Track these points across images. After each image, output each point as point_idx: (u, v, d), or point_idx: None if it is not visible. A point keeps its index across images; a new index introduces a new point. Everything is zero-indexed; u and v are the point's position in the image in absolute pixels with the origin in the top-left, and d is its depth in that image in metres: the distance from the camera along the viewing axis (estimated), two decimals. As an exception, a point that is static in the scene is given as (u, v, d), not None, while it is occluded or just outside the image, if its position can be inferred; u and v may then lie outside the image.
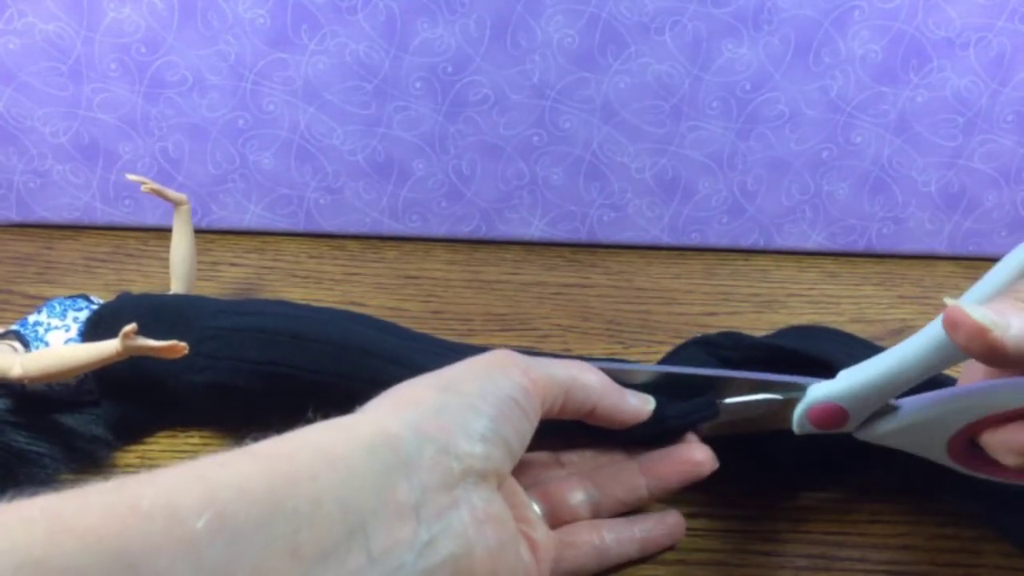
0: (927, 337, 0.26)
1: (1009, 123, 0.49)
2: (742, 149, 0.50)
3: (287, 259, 0.51)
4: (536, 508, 0.32)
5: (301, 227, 0.53)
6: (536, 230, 0.53)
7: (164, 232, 0.45)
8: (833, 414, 0.30)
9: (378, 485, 0.24)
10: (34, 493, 0.20)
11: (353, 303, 0.48)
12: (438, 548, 0.24)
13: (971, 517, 0.35)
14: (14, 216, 0.52)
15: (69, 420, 0.36)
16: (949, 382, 0.33)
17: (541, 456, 0.34)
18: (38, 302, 0.40)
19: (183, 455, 0.38)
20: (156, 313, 0.37)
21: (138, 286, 0.47)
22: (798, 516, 0.36)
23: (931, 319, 0.26)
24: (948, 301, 0.23)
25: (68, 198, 0.52)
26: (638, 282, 0.51)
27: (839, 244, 0.53)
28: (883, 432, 0.30)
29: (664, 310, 0.48)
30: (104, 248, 0.52)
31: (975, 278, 0.28)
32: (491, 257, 0.52)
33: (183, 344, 0.32)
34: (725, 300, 0.49)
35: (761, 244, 0.53)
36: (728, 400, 0.32)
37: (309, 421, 0.26)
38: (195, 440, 0.38)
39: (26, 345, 0.36)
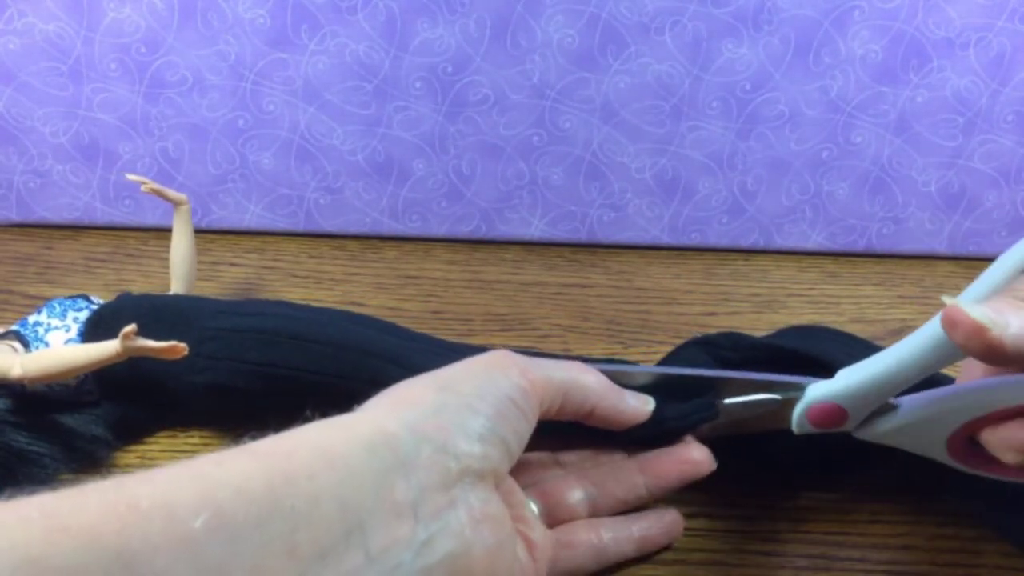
0: (925, 336, 0.26)
1: (1009, 123, 0.49)
2: (742, 149, 0.50)
3: (287, 259, 0.51)
4: (534, 508, 0.32)
5: (301, 227, 0.53)
6: (536, 230, 0.53)
7: (164, 232, 0.45)
8: (832, 413, 0.30)
9: (376, 484, 0.24)
10: (32, 492, 0.20)
11: (353, 303, 0.48)
12: (435, 547, 0.24)
13: (971, 517, 0.35)
14: (14, 216, 0.52)
15: (69, 420, 0.36)
16: (947, 381, 0.33)
17: (540, 456, 0.34)
18: (38, 302, 0.40)
19: (183, 455, 0.38)
20: (156, 313, 0.37)
21: (138, 286, 0.47)
22: (798, 516, 0.36)
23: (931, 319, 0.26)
24: (946, 300, 0.23)
25: (68, 198, 0.52)
26: (638, 282, 0.51)
27: (839, 244, 0.53)
28: (883, 431, 0.30)
29: (664, 310, 0.48)
30: (104, 248, 0.52)
31: (975, 278, 0.28)
32: (491, 257, 0.52)
33: (183, 345, 0.32)
34: (725, 300, 0.49)
35: (761, 244, 0.53)
36: (727, 401, 0.32)
37: (307, 420, 0.26)
38: (195, 440, 0.38)
39: (26, 345, 0.36)
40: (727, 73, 0.48)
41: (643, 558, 0.33)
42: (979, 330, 0.23)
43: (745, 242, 0.53)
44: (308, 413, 0.26)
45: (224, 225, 0.53)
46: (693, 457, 0.33)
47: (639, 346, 0.45)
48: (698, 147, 0.50)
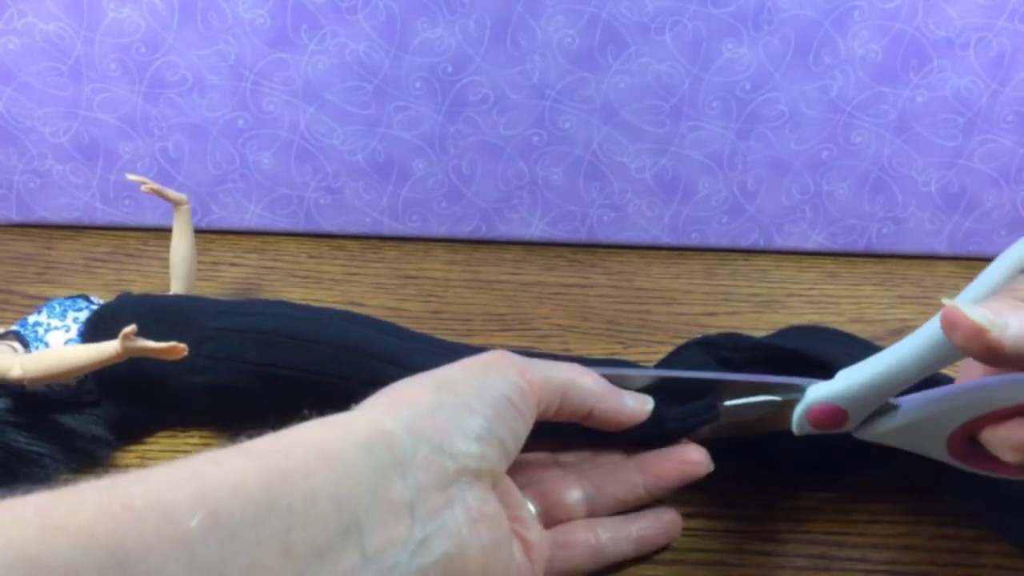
0: (925, 336, 0.26)
1: (1009, 123, 0.49)
2: (742, 149, 0.50)
3: (287, 259, 0.51)
4: (531, 508, 0.32)
5: (301, 227, 0.53)
6: (536, 230, 0.53)
7: (164, 232, 0.45)
8: (832, 414, 0.30)
9: (373, 483, 0.24)
10: (28, 491, 0.20)
11: (353, 303, 0.48)
12: (432, 547, 0.24)
13: (971, 517, 0.35)
14: (14, 216, 0.52)
15: (69, 420, 0.36)
16: (947, 381, 0.33)
17: (539, 456, 0.34)
18: (38, 302, 0.40)
19: (183, 455, 0.37)
20: (156, 314, 0.37)
21: (138, 286, 0.47)
22: (798, 516, 0.35)
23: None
24: (945, 301, 0.23)
25: (68, 198, 0.52)
26: (638, 282, 0.51)
27: (839, 244, 0.53)
28: (883, 431, 0.30)
29: (664, 310, 0.48)
30: (104, 248, 0.52)
31: (975, 278, 0.28)
32: (491, 257, 0.52)
33: (183, 345, 0.32)
34: (725, 300, 0.49)
35: (761, 244, 0.53)
36: (727, 403, 0.32)
37: (305, 419, 0.26)
38: (195, 440, 0.38)
39: (26, 346, 0.36)
40: (727, 73, 0.48)
41: (641, 558, 0.33)
42: (978, 332, 0.23)
43: (745, 242, 0.53)
44: (306, 412, 0.26)
45: (224, 225, 0.53)
46: (691, 457, 0.33)
47: (639, 346, 0.45)
48: (698, 147, 0.50)
